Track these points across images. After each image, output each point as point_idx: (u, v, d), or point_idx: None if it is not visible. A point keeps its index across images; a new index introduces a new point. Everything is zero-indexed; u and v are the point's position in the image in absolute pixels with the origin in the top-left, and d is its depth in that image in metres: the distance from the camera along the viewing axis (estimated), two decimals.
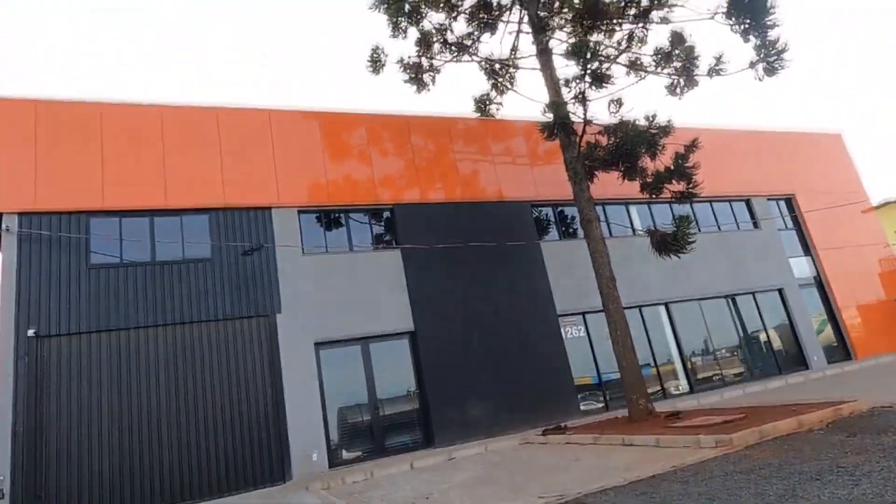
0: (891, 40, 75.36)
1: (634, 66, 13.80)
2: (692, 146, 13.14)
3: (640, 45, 14.24)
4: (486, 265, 14.22)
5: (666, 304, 16.16)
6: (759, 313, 17.49)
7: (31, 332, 10.40)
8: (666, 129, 13.03)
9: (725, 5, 12.32)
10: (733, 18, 12.37)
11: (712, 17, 12.59)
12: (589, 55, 11.82)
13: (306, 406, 11.75)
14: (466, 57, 14.86)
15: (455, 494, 7.84)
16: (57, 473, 10.03)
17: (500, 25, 15.13)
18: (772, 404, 10.09)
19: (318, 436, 11.61)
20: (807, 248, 19.44)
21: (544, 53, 13.46)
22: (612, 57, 13.44)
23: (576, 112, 12.46)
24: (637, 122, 12.88)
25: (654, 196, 13.26)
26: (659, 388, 15.12)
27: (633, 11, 13.43)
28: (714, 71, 12.92)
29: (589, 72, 12.05)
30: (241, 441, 11.26)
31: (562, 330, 14.51)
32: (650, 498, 5.72)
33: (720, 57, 12.84)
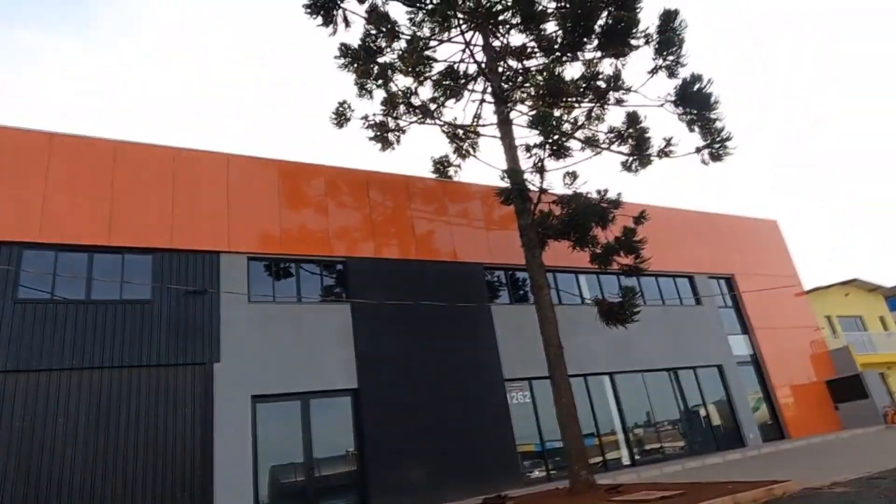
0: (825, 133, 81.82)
1: (590, 142, 14.46)
2: (640, 217, 13.74)
3: (597, 122, 15.03)
4: (435, 325, 14.12)
5: (611, 375, 16.34)
6: (700, 388, 17.87)
7: None
8: (616, 203, 13.54)
9: (674, 96, 13.23)
10: (681, 108, 13.28)
11: (661, 106, 13.47)
12: (552, 125, 12.31)
13: (237, 464, 11.08)
14: (430, 120, 15.26)
15: None
16: None
17: (465, 93, 15.71)
18: (709, 481, 10.15)
19: (246, 497, 10.92)
20: (745, 327, 20.20)
21: (505, 123, 13.96)
22: (570, 132, 14.08)
23: (532, 181, 12.87)
24: (589, 196, 13.37)
25: (602, 267, 13.63)
26: (601, 458, 15.06)
27: (590, 95, 14.21)
28: (663, 152, 13.68)
29: (550, 142, 12.53)
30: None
31: (508, 395, 14.40)
32: None
33: (670, 140, 13.63)
